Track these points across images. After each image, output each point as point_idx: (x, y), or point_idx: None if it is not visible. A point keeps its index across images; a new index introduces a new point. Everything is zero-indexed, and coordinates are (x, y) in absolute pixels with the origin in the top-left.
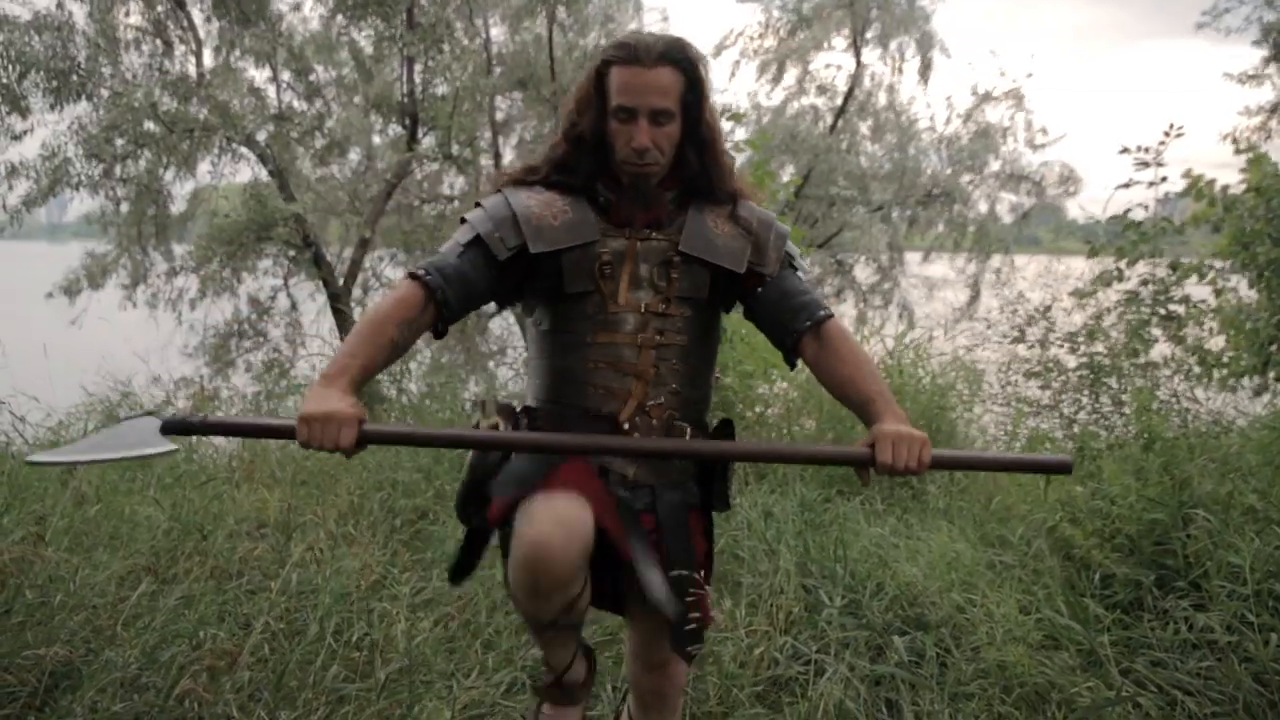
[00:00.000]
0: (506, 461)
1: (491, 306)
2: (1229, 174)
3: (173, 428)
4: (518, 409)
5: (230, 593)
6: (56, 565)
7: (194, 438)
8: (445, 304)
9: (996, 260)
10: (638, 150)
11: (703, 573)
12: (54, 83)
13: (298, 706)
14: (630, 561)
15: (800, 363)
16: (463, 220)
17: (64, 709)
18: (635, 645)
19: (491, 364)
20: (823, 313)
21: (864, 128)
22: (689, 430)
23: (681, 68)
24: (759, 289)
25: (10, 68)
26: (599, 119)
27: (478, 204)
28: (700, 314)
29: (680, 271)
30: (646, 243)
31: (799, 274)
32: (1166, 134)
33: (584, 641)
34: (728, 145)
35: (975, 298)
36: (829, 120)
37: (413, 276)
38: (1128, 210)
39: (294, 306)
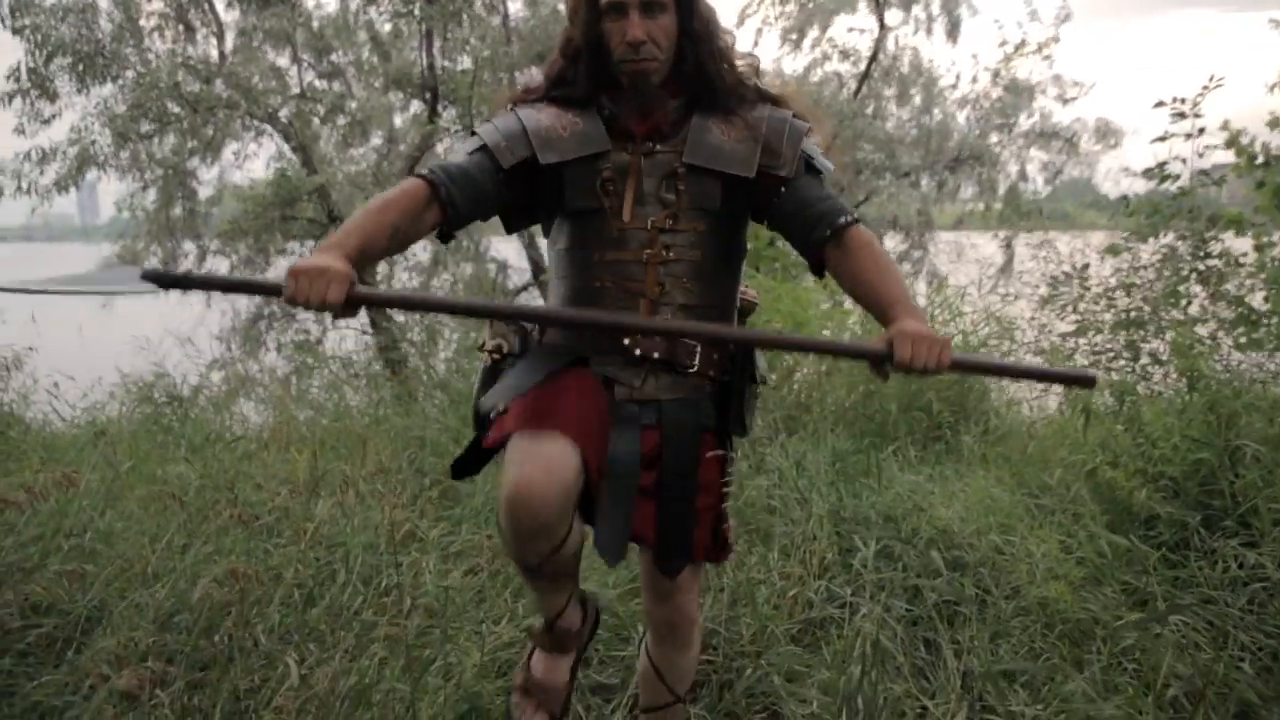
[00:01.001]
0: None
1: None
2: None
3: (153, 277)
4: (529, 329)
5: (258, 542)
6: (90, 515)
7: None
8: (451, 203)
9: (1026, 237)
10: (632, 44)
11: (713, 501)
12: (80, 66)
13: (327, 646)
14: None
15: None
16: (472, 133)
17: (99, 647)
18: (643, 575)
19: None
20: (844, 219)
21: (888, 91)
22: (698, 348)
23: None
24: (776, 197)
25: (37, 52)
26: (592, 24)
27: (487, 120)
28: (716, 226)
29: (686, 184)
30: (651, 156)
31: (820, 176)
32: (1205, 86)
33: (583, 593)
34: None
35: (1010, 261)
36: (853, 87)
37: (418, 175)
38: (1163, 164)
39: None
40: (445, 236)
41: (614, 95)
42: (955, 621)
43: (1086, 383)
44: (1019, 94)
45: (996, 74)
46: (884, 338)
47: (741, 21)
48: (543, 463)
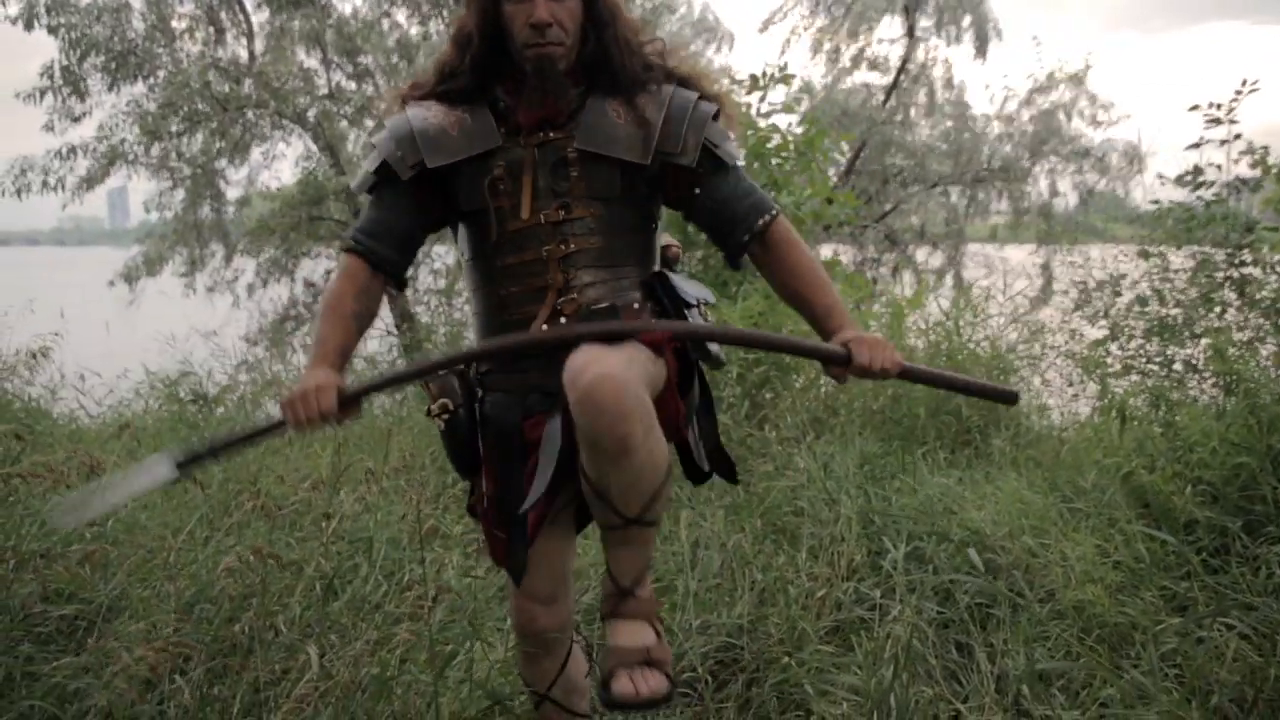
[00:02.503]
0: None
1: None
2: None
3: (187, 463)
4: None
5: (281, 535)
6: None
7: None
8: (385, 262)
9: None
10: (537, 25)
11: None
12: (112, 64)
13: (349, 637)
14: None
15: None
16: (371, 146)
17: (120, 634)
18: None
19: None
20: (764, 219)
21: (919, 98)
22: (616, 309)
23: None
24: (692, 196)
25: (71, 50)
26: (491, 7)
27: (382, 124)
28: (616, 208)
29: (579, 171)
30: (544, 146)
31: (734, 168)
32: (1239, 91)
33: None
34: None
35: (1049, 283)
36: (881, 98)
37: (346, 250)
38: (1198, 169)
39: None
40: (400, 286)
41: (510, 87)
42: (988, 624)
43: (1009, 398)
44: (1051, 120)
45: (1027, 100)
46: (840, 341)
47: (765, 29)
48: (537, 605)
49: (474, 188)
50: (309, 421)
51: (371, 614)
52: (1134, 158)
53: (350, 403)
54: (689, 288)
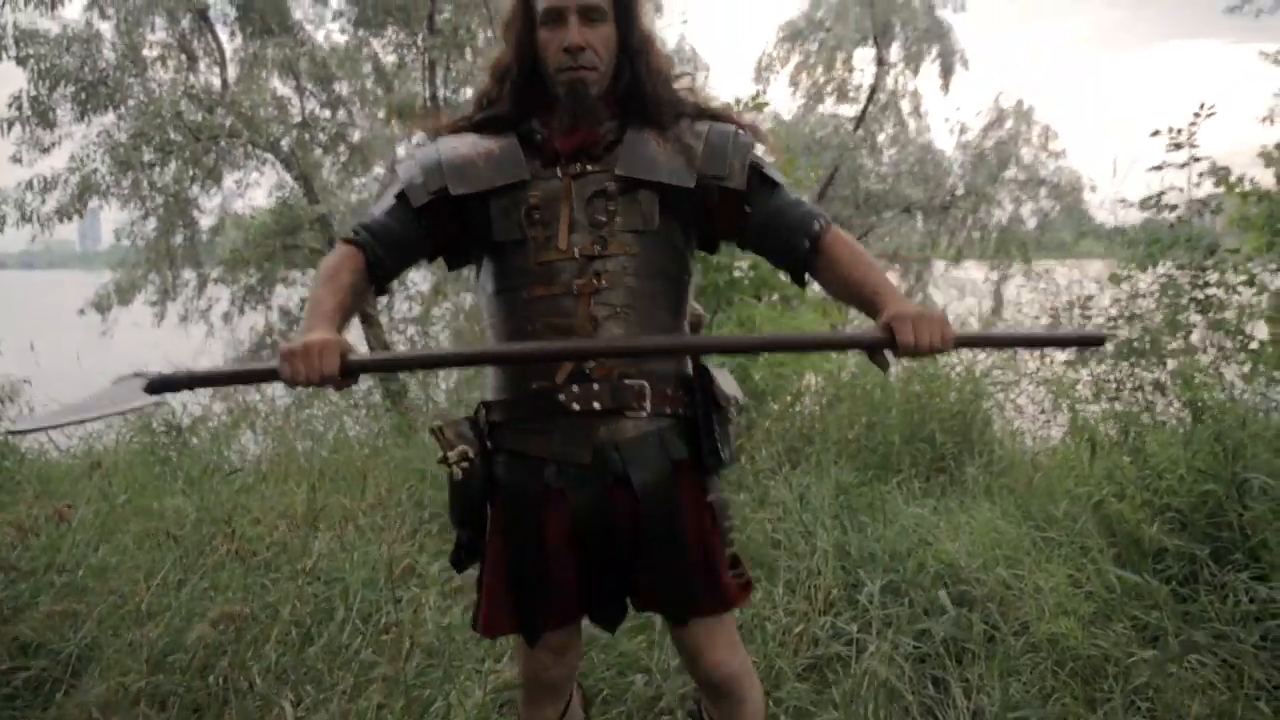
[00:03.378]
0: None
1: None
2: (1265, 173)
3: (158, 386)
4: (476, 413)
5: (256, 578)
6: (83, 550)
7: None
8: (378, 262)
9: (1021, 267)
10: (570, 50)
11: (711, 546)
12: (83, 95)
13: (324, 686)
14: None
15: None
16: (394, 170)
17: (91, 690)
18: (672, 637)
19: None
20: (818, 225)
21: (888, 128)
22: (646, 388)
23: None
24: (743, 218)
25: (40, 81)
26: (526, 34)
27: (411, 154)
28: (651, 249)
29: (619, 203)
30: (582, 178)
31: (779, 187)
32: (1197, 114)
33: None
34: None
35: (998, 306)
36: (850, 129)
37: (345, 240)
38: (1160, 194)
39: None
40: (380, 291)
41: (545, 118)
42: (964, 659)
43: (1095, 341)
44: (1007, 148)
45: (985, 131)
46: (881, 323)
47: (758, 76)
48: (549, 656)
49: (509, 218)
50: (307, 380)
51: (349, 662)
52: (1077, 187)
53: (351, 370)
54: (727, 387)
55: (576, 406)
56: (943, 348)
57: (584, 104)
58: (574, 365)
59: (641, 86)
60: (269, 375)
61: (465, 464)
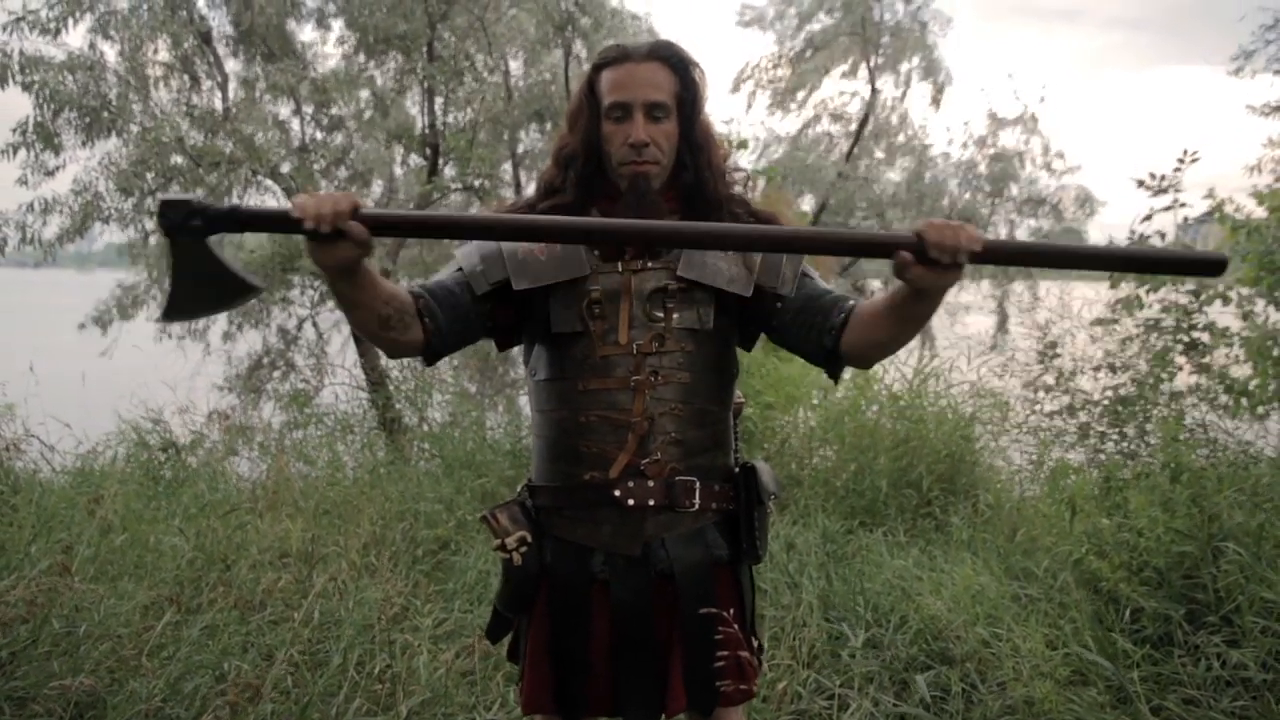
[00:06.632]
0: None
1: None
2: (1256, 205)
3: (213, 221)
4: (520, 495)
5: (253, 624)
6: (82, 595)
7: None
8: (434, 328)
9: (1020, 285)
10: (635, 145)
11: (734, 627)
12: (86, 119)
13: None
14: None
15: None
16: (453, 256)
17: None
18: None
19: (511, 392)
20: (850, 301)
21: (879, 151)
22: (696, 485)
23: (672, 65)
24: (774, 313)
25: (45, 106)
26: (592, 125)
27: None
28: (705, 347)
29: (678, 301)
30: (642, 274)
31: (811, 278)
32: (1181, 160)
33: None
34: (736, 165)
35: (1004, 322)
36: (844, 147)
37: (408, 292)
38: (1145, 238)
39: (320, 337)
40: (429, 359)
41: (607, 208)
42: (943, 717)
43: (1213, 268)
44: (1005, 163)
45: (982, 143)
46: (911, 230)
47: (736, 88)
48: None
49: (569, 310)
50: (318, 213)
51: (342, 714)
52: (1085, 201)
53: (365, 221)
54: (770, 483)
55: (631, 502)
56: (972, 246)
57: (646, 198)
58: (629, 460)
59: (704, 185)
60: (281, 217)
61: (524, 549)
